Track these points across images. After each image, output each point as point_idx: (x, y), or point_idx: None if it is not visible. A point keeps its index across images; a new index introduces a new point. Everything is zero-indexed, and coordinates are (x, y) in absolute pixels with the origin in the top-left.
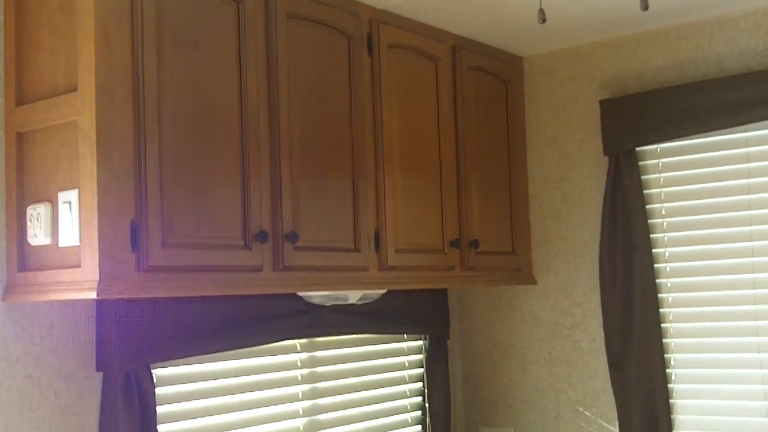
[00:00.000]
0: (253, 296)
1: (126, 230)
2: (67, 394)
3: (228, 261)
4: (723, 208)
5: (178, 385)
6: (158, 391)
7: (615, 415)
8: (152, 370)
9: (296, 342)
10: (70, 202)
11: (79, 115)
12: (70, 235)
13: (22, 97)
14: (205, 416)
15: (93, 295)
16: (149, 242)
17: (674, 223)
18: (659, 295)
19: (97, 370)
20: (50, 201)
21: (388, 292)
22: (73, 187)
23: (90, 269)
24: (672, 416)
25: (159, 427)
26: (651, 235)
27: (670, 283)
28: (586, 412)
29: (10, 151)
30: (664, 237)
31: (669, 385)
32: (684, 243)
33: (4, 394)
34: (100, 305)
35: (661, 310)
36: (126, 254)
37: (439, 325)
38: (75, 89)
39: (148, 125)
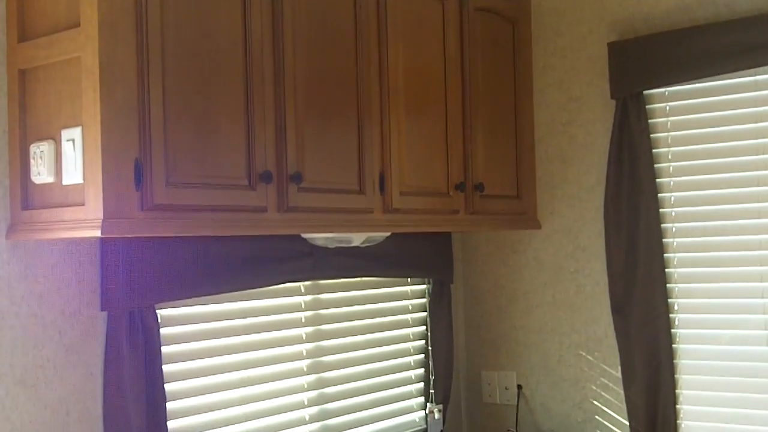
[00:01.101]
0: (258, 238)
1: (130, 168)
2: (71, 333)
3: (232, 201)
4: (731, 153)
5: (183, 326)
6: (163, 331)
7: (617, 359)
8: (157, 311)
9: (300, 284)
10: (73, 140)
11: (82, 51)
12: (73, 173)
13: (24, 34)
14: (210, 357)
15: (97, 233)
16: (153, 181)
17: (681, 167)
18: (664, 240)
19: (102, 309)
20: (53, 139)
21: (392, 235)
22: (76, 125)
23: (94, 207)
24: (675, 361)
25: (164, 367)
26: (657, 180)
27: (675, 227)
28: (589, 356)
29: (12, 88)
30: (670, 182)
31: (672, 330)
32: (690, 188)
33: (8, 332)
34: (104, 245)
35: (665, 254)
36: (130, 193)
37: (442, 269)
38: (77, 25)
39: (151, 62)
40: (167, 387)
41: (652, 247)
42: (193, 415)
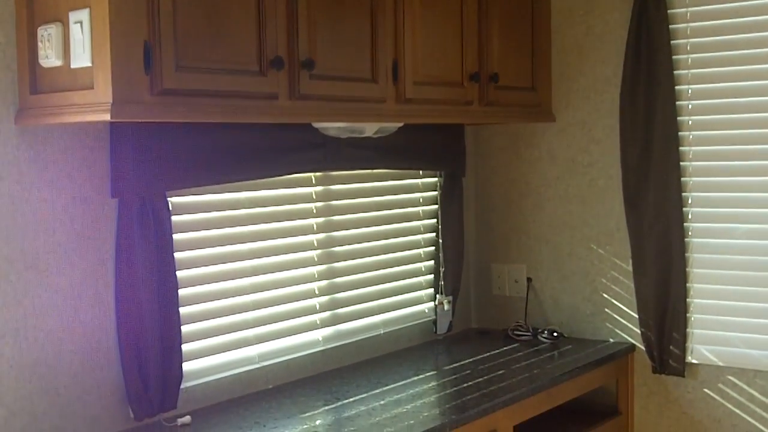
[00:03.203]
0: (269, 127)
1: (139, 51)
2: (82, 219)
3: (243, 87)
4: (752, 45)
5: (194, 214)
6: (174, 218)
7: (629, 252)
8: (168, 198)
9: (311, 175)
10: (81, 22)
11: None
12: (81, 56)
13: None
14: (221, 245)
15: (106, 117)
16: (163, 64)
17: (700, 59)
18: (680, 133)
19: (112, 196)
20: (61, 21)
21: (405, 126)
22: (84, 6)
23: (103, 91)
24: (687, 254)
25: (175, 254)
26: (675, 72)
27: (692, 121)
28: (600, 250)
29: None
30: (688, 74)
31: (685, 224)
32: (708, 80)
33: (19, 218)
34: (115, 131)
35: (680, 148)
36: (139, 76)
37: (454, 162)
38: None
39: None
40: (179, 274)
41: (667, 140)
42: (205, 302)
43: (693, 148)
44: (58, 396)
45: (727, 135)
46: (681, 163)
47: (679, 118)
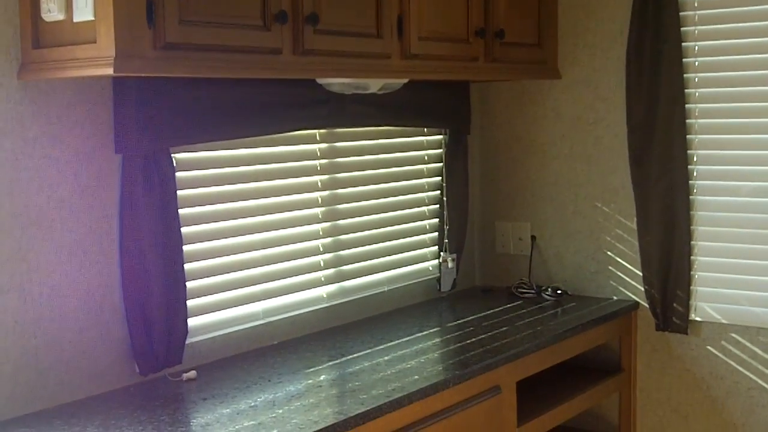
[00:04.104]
0: (273, 83)
1: (142, 5)
2: (86, 174)
3: (247, 42)
4: (761, 0)
5: (198, 170)
6: (178, 175)
7: (633, 210)
8: (172, 155)
9: (316, 132)
10: None
11: None
12: (84, 9)
13: None
14: (225, 202)
15: (109, 71)
16: (166, 18)
17: (707, 15)
18: (686, 91)
19: (116, 152)
20: None
21: (410, 83)
22: None
23: (106, 45)
24: (691, 212)
25: (179, 210)
26: (682, 28)
27: (698, 78)
28: (604, 208)
29: None
30: (695, 30)
31: (690, 182)
32: (716, 37)
33: (22, 173)
34: (118, 86)
35: (687, 105)
36: (142, 30)
37: (459, 120)
38: None
39: None
40: (183, 230)
41: (673, 98)
42: (209, 258)
43: (699, 105)
44: (63, 351)
45: (734, 92)
46: (687, 121)
47: (685, 75)
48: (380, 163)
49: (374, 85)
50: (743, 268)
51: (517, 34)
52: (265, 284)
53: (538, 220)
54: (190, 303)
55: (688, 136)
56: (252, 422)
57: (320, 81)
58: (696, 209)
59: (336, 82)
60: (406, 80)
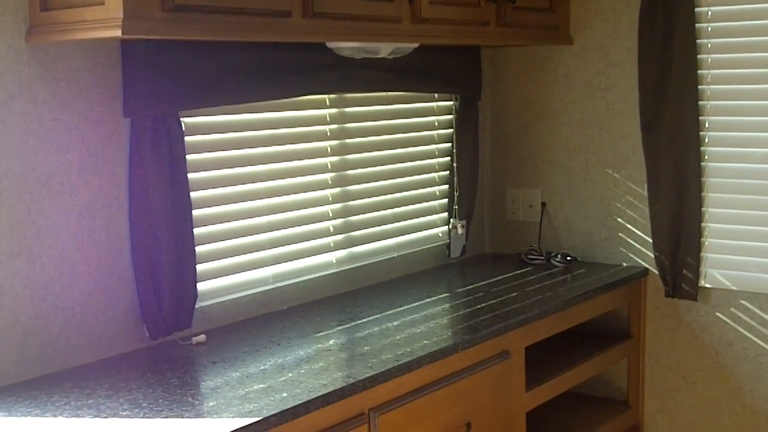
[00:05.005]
0: (283, 47)
1: None
2: (95, 138)
3: (255, 4)
4: None
5: (208, 135)
6: (187, 139)
7: (644, 177)
8: (181, 118)
9: (326, 97)
10: None
11: None
12: None
13: None
14: (234, 167)
15: (117, 33)
16: None
17: None
18: (699, 56)
19: (125, 116)
20: None
21: (420, 48)
22: None
23: (113, 6)
24: (702, 179)
25: (189, 175)
26: None
27: (711, 43)
28: (615, 174)
29: None
30: None
31: (702, 148)
32: (729, 2)
33: (30, 137)
34: (126, 49)
35: (699, 71)
36: None
37: (470, 85)
38: None
39: None
40: (192, 195)
41: (686, 63)
42: (219, 223)
43: (712, 71)
44: (73, 315)
45: (747, 58)
46: (699, 87)
47: (698, 41)
48: (390, 129)
49: (384, 49)
50: (754, 234)
51: None
52: (274, 249)
53: (549, 187)
54: (199, 267)
55: (700, 103)
56: (261, 385)
57: (330, 45)
58: (707, 176)
59: (346, 47)
60: (416, 45)
